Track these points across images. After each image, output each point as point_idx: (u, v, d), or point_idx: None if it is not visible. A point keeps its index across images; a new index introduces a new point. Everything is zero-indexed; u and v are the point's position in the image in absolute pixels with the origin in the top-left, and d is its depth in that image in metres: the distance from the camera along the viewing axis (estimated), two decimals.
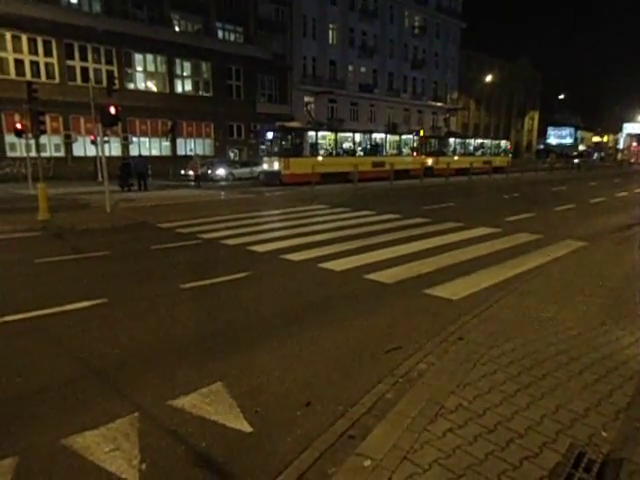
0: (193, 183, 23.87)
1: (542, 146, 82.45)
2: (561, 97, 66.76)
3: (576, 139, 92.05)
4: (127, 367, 3.97)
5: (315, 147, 24.57)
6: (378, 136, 28.93)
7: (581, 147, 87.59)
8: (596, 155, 70.37)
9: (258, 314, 5.31)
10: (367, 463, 2.58)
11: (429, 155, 31.40)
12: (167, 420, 3.17)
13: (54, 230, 10.67)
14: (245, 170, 28.92)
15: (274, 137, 24.16)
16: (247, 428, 3.09)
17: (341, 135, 26.73)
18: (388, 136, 29.57)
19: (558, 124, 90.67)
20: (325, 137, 25.57)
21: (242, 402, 3.38)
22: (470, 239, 9.35)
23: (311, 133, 24.67)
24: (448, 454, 2.64)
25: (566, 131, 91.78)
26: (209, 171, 27.16)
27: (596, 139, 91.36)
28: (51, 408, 3.34)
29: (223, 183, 26.14)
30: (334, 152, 25.72)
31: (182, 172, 27.59)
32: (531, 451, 2.64)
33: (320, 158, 23.97)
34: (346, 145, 26.76)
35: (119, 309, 5.39)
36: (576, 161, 50.39)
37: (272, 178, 23.47)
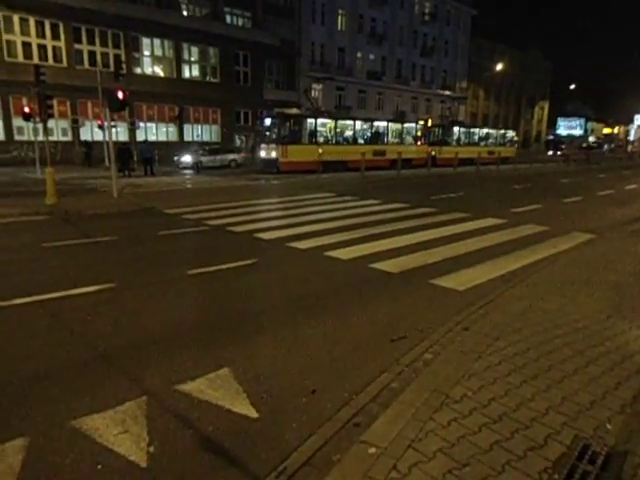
0: (190, 170, 23.58)
1: (551, 137, 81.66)
2: (572, 87, 65.84)
3: (586, 130, 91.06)
4: (135, 351, 4.01)
5: (314, 134, 24.20)
6: (380, 124, 28.59)
7: (591, 138, 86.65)
8: (606, 147, 69.58)
9: (264, 301, 5.33)
10: (372, 451, 2.60)
11: (432, 144, 31.10)
12: (175, 404, 3.21)
13: (61, 214, 10.72)
14: (215, 158, 26.71)
15: (272, 124, 23.75)
16: (253, 414, 3.12)
17: (341, 123, 26.31)
18: (390, 124, 29.20)
19: (569, 115, 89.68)
20: (325, 124, 25.19)
21: (248, 388, 3.42)
22: (476, 230, 9.32)
23: (310, 120, 24.25)
24: (452, 443, 2.66)
25: (576, 122, 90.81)
26: (174, 158, 25.47)
27: (606, 130, 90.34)
28: (61, 390, 3.38)
29: (188, 172, 24.39)
30: (334, 140, 25.36)
31: (175, 158, 26.11)
32: (536, 442, 2.66)
33: (319, 146, 23.58)
34: (347, 133, 26.43)
35: (127, 294, 5.44)
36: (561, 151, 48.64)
37: (269, 166, 23.16)
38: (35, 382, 3.49)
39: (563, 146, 58.05)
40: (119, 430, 2.90)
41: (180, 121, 31.82)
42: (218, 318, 4.80)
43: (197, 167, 23.46)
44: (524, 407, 3.01)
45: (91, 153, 25.95)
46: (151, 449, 2.75)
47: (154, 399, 3.26)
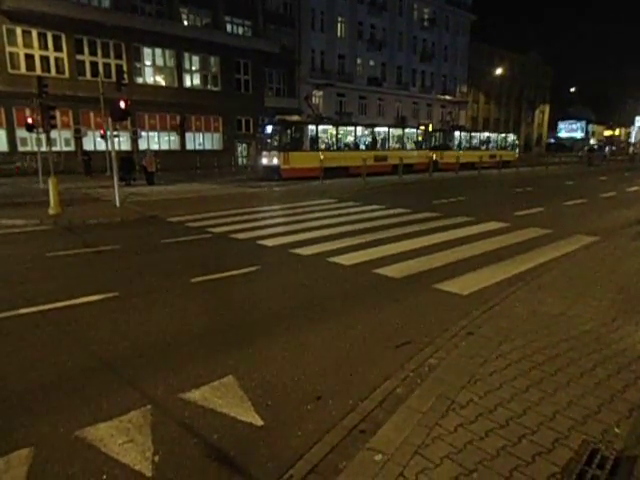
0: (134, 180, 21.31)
1: (552, 140, 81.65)
2: (572, 90, 65.92)
3: (587, 133, 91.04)
4: (139, 360, 4.00)
5: (315, 141, 24.22)
6: (381, 130, 28.62)
7: (592, 141, 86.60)
8: (607, 149, 69.59)
9: (268, 308, 5.32)
10: (378, 457, 2.58)
11: (433, 149, 31.10)
12: (179, 413, 3.20)
13: (65, 224, 10.76)
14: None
15: (273, 131, 23.77)
16: (258, 421, 3.10)
17: (342, 129, 26.30)
18: (391, 130, 29.21)
19: (570, 118, 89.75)
20: (326, 131, 25.22)
21: (253, 395, 3.41)
22: (480, 233, 9.30)
23: (311, 127, 24.28)
24: (459, 449, 2.63)
25: (577, 125, 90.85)
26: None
27: (608, 133, 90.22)
28: (65, 400, 3.38)
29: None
30: (335, 146, 25.36)
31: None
32: (543, 447, 2.63)
33: (320, 152, 23.55)
34: (348, 139, 26.44)
35: (130, 303, 5.44)
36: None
37: (271, 172, 23.16)
38: (39, 392, 3.49)
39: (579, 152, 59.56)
40: (124, 439, 2.89)
41: (182, 130, 31.97)
42: (222, 326, 4.80)
43: (151, 177, 21.00)
44: (531, 412, 2.99)
45: (90, 163, 25.99)
46: (156, 458, 2.73)
47: (158, 408, 3.25)
